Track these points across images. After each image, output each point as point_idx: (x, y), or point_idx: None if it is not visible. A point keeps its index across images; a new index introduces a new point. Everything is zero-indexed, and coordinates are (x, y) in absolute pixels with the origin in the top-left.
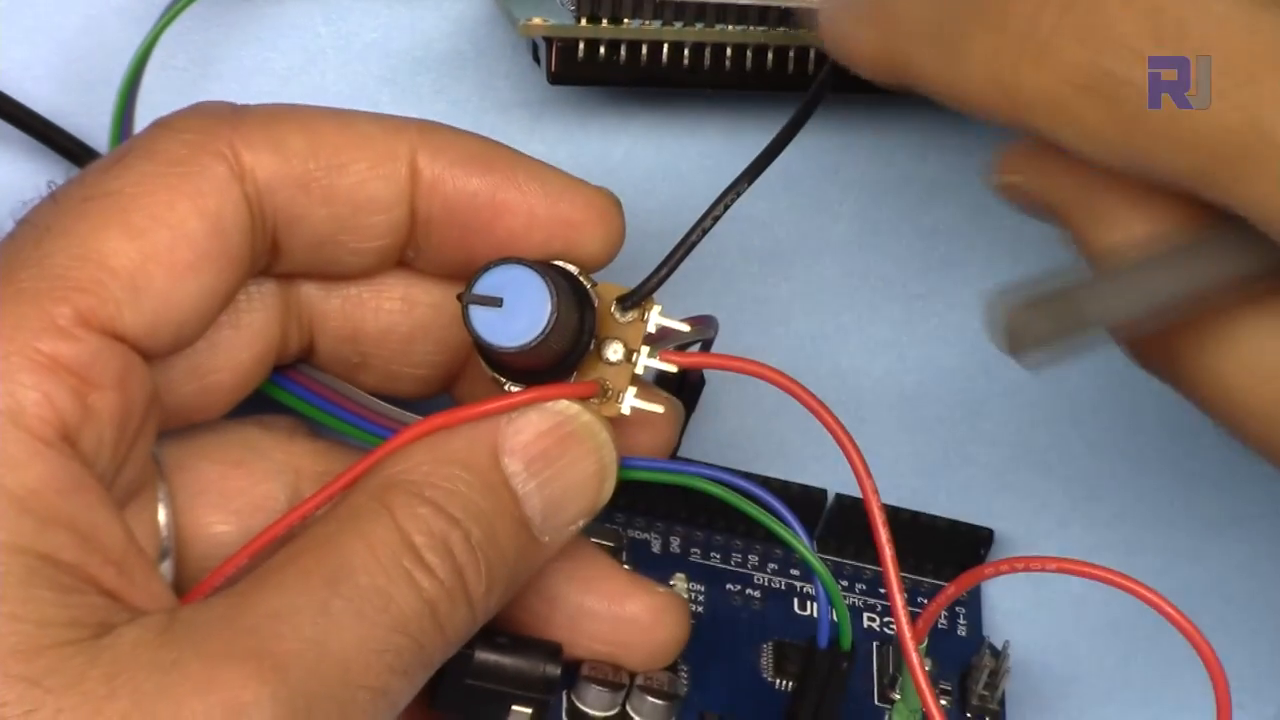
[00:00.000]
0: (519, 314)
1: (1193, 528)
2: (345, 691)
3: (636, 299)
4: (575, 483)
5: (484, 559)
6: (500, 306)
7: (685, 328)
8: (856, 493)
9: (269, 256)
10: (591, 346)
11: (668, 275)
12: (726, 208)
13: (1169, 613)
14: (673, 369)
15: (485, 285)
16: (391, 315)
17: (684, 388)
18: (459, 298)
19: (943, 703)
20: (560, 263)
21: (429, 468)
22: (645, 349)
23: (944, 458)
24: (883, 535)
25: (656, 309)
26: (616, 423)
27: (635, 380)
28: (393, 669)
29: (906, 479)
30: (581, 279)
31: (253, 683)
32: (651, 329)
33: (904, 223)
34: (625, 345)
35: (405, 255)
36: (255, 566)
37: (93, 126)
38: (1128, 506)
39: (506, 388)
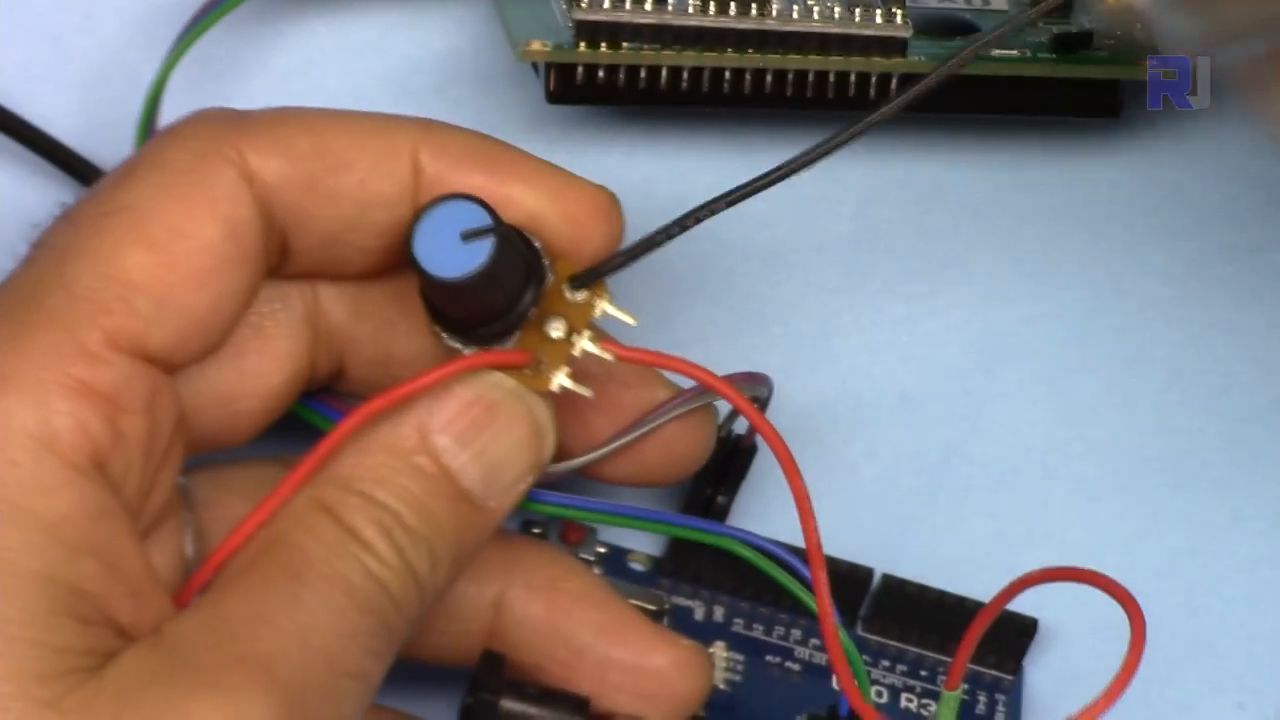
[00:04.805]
0: (462, 248)
1: (1193, 528)
2: (332, 681)
3: (589, 279)
4: (511, 446)
5: (424, 539)
6: (446, 235)
7: (631, 320)
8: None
9: (279, 257)
10: (532, 315)
11: (628, 263)
12: (701, 220)
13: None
14: (609, 357)
15: (438, 213)
16: (425, 338)
17: (735, 456)
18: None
19: None
20: (526, 233)
21: (355, 460)
22: (588, 333)
23: (943, 458)
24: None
25: (606, 298)
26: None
27: (571, 361)
28: (367, 651)
29: (905, 479)
30: (539, 249)
31: (248, 686)
32: (598, 314)
33: (904, 223)
34: (568, 324)
35: None
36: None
37: (97, 145)
38: (1129, 507)
39: (444, 339)
